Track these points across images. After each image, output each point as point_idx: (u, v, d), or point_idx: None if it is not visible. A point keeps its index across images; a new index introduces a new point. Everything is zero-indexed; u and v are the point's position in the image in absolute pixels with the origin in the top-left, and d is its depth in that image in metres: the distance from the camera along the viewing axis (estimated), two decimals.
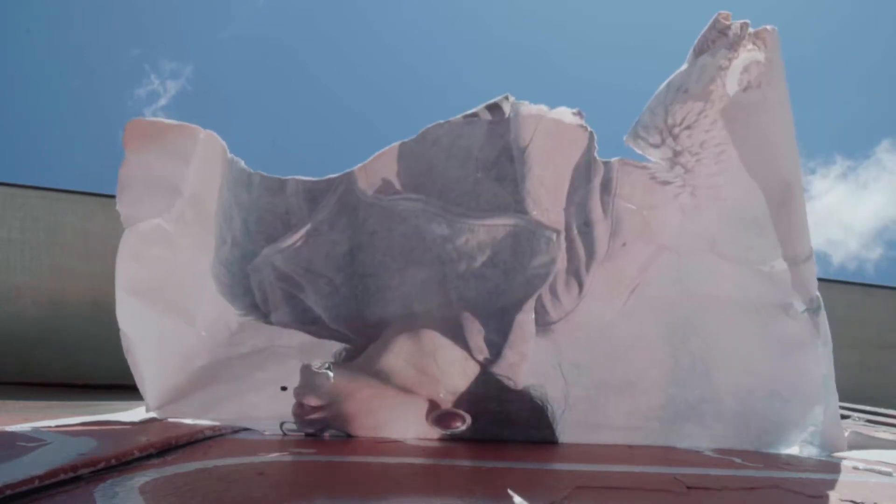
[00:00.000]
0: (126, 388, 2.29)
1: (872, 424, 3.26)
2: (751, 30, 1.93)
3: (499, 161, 1.94)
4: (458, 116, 1.96)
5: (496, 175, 1.94)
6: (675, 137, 1.97)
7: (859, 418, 3.35)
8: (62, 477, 1.25)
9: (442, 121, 1.95)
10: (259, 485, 1.34)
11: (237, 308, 2.10)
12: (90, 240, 5.37)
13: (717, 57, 1.92)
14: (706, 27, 1.96)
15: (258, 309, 2.08)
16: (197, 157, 2.19)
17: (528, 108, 1.91)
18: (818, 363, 2.02)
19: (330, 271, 1.98)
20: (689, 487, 1.44)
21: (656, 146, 2.00)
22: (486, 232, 1.94)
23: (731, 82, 1.93)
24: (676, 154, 1.99)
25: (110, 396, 3.67)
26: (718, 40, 1.93)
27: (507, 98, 1.93)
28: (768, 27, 1.95)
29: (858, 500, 1.37)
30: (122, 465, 1.45)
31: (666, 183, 2.00)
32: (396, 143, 1.95)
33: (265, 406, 2.07)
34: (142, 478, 1.34)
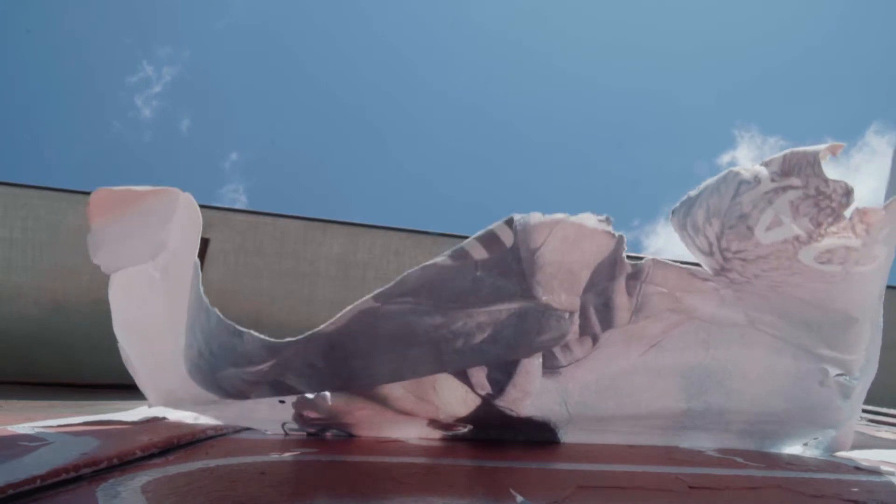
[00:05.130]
0: (127, 388, 2.30)
1: (875, 424, 3.25)
2: (857, 205, 1.55)
3: (503, 260, 1.75)
4: (446, 257, 1.73)
5: (500, 272, 1.76)
6: (727, 259, 1.74)
7: (862, 418, 3.35)
8: (64, 476, 1.26)
9: (428, 262, 1.73)
10: (261, 484, 1.34)
11: (211, 393, 2.03)
12: None
13: (798, 218, 1.58)
14: (808, 150, 1.56)
15: (231, 395, 2.00)
16: (178, 217, 2.15)
17: (540, 217, 1.72)
18: (844, 416, 1.94)
19: (311, 361, 1.80)
20: (691, 487, 1.43)
21: (704, 253, 1.78)
22: (487, 315, 1.77)
23: (807, 255, 1.64)
24: (725, 270, 1.77)
25: (112, 396, 3.67)
26: (809, 181, 1.55)
27: (510, 220, 1.73)
28: (879, 209, 1.55)
29: (860, 500, 1.36)
30: (125, 464, 1.45)
31: (707, 280, 1.82)
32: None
33: (266, 411, 2.06)
34: (144, 477, 1.34)
